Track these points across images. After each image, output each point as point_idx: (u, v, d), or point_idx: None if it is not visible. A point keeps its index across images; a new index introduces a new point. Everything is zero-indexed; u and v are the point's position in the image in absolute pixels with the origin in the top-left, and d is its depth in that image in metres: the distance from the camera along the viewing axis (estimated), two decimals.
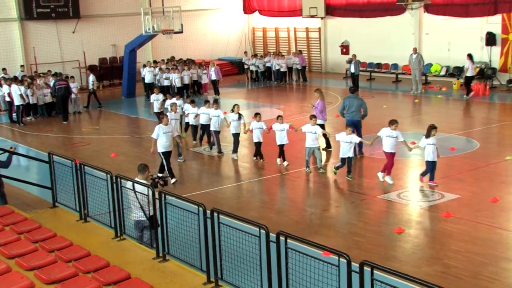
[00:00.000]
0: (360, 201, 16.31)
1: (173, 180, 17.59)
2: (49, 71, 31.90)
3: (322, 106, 20.89)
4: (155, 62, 34.91)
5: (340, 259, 7.50)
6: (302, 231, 13.47)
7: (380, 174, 17.03)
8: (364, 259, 7.40)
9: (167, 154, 17.72)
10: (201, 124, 21.68)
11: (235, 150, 20.44)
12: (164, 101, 24.65)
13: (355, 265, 7.33)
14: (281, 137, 18.79)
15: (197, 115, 21.72)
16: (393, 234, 13.89)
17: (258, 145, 19.56)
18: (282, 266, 8.19)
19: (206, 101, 21.89)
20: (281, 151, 19.00)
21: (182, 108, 22.49)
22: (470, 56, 29.79)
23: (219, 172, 19.88)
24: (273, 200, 17.23)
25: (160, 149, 17.57)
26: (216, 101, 21.37)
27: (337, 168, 17.70)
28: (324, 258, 7.95)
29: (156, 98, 25.06)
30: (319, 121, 20.16)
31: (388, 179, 16.83)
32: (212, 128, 20.88)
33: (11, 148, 15.50)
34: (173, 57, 36.55)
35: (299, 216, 15.63)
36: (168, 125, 17.93)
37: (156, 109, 24.88)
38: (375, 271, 7.27)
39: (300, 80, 37.33)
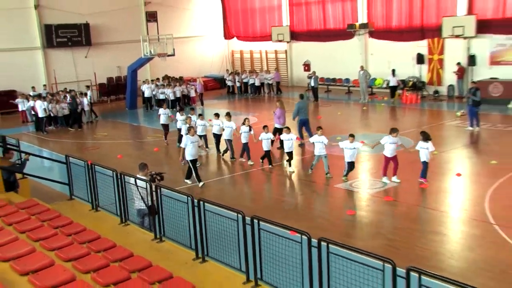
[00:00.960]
0: (321, 190, 16.47)
1: (201, 184, 16.68)
2: (65, 88, 31.81)
3: (280, 113, 20.86)
4: (153, 80, 34.86)
5: (303, 236, 7.56)
6: (273, 215, 13.50)
7: (394, 178, 16.06)
8: (322, 236, 7.46)
9: (194, 162, 16.63)
10: (214, 133, 20.68)
11: (249, 157, 19.29)
12: (174, 114, 23.15)
13: (315, 242, 7.39)
14: (288, 145, 17.66)
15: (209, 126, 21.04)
16: (346, 215, 14.02)
17: (267, 152, 18.48)
18: (256, 244, 8.24)
19: (216, 114, 21.10)
20: (290, 157, 17.92)
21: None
22: (393, 71, 31.28)
23: (206, 168, 19.79)
24: (250, 191, 17.26)
25: (188, 157, 16.53)
26: (228, 114, 20.09)
27: (346, 174, 16.57)
28: (291, 237, 8.00)
29: (164, 112, 23.14)
30: (276, 125, 20.48)
31: (394, 178, 16.01)
32: (225, 137, 19.80)
33: (26, 157, 15.48)
34: (167, 75, 36.47)
35: (271, 203, 15.71)
36: (194, 135, 16.93)
37: (163, 121, 23.12)
38: (330, 246, 7.33)
39: (272, 93, 37.28)
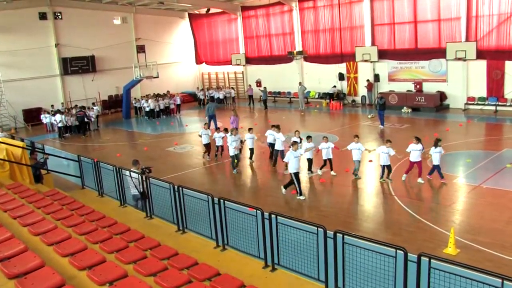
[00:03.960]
0: (272, 176, 16.34)
1: (302, 197, 13.43)
2: (76, 105, 31.22)
3: (233, 119, 20.87)
4: (148, 94, 34.64)
5: (257, 211, 7.56)
6: (234, 195, 13.48)
7: (419, 179, 14.15)
8: (272, 211, 7.48)
9: (297, 174, 13.45)
10: (269, 143, 17.54)
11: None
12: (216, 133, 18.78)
13: (267, 214, 7.40)
14: (327, 153, 15.31)
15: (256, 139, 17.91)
16: (291, 194, 13.98)
17: (309, 161, 15.66)
18: (222, 217, 8.20)
19: (273, 126, 17.54)
20: (329, 163, 15.42)
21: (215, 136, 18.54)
22: (334, 86, 32.43)
23: (183, 162, 19.56)
24: (217, 178, 16.93)
25: (292, 170, 13.33)
26: (277, 127, 17.14)
27: (382, 176, 14.49)
28: (249, 212, 7.98)
29: (205, 133, 18.52)
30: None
31: (420, 180, 14.12)
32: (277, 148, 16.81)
33: (46, 156, 15.15)
34: (168, 91, 36.09)
35: (232, 187, 15.56)
36: (297, 150, 13.67)
37: (205, 141, 18.62)
38: (278, 217, 7.35)
39: (233, 104, 37.20)
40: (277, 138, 16.83)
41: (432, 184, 13.96)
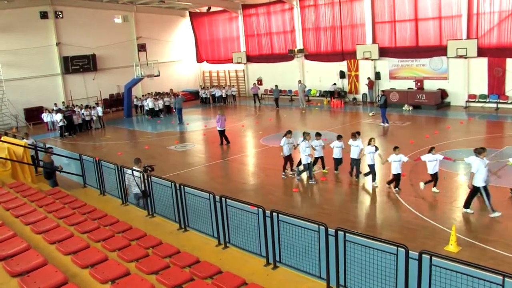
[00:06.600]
0: (273, 176, 16.31)
1: (497, 214, 10.95)
2: (74, 105, 31.33)
3: (218, 118, 20.80)
4: (157, 93, 34.74)
5: (259, 209, 7.56)
6: (235, 194, 13.46)
7: None
8: (273, 209, 7.48)
9: (485, 189, 11.07)
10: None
11: (374, 179, 13.94)
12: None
13: (268, 213, 7.40)
14: (434, 167, 12.74)
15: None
16: (292, 192, 14.06)
17: (397, 176, 13.14)
18: (224, 215, 8.20)
19: (356, 133, 15.07)
20: (435, 179, 12.86)
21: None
22: (334, 84, 32.47)
23: (185, 161, 19.54)
24: (218, 176, 16.86)
25: (480, 183, 10.96)
26: (355, 134, 14.94)
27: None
28: (251, 210, 7.98)
29: (287, 142, 15.40)
30: (218, 128, 20.65)
31: None
32: (352, 157, 14.71)
33: (60, 166, 14.85)
34: (171, 89, 36.30)
35: (234, 185, 15.49)
36: (484, 158, 11.10)
37: (287, 153, 15.49)
38: (280, 215, 7.35)
39: (234, 102, 37.19)
40: (355, 146, 14.71)
41: None
